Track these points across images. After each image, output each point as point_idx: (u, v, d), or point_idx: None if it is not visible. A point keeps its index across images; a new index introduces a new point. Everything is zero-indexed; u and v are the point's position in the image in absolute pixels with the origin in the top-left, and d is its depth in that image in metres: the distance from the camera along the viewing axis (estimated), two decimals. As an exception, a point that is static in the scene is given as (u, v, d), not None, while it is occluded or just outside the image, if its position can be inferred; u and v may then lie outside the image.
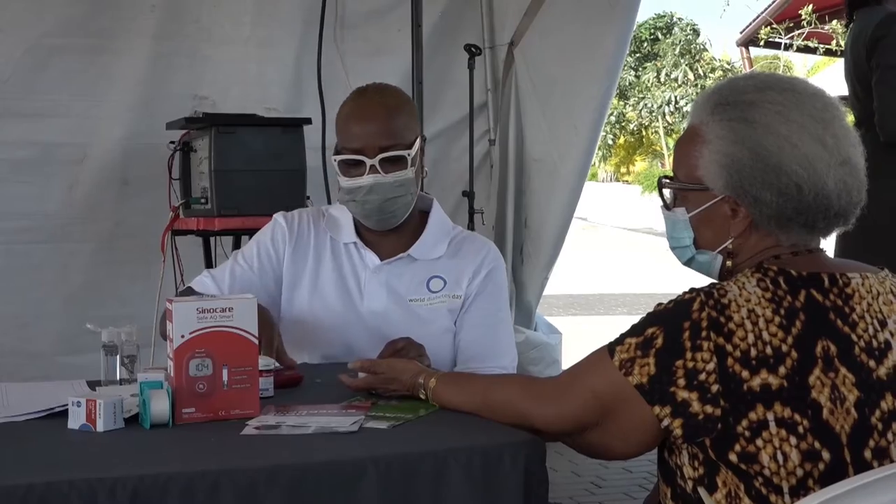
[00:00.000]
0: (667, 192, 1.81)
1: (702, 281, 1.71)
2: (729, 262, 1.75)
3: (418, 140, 2.49)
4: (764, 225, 1.70)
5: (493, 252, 2.59)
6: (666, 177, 1.81)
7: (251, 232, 3.76)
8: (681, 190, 1.78)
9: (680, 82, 29.41)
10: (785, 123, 1.65)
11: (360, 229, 2.56)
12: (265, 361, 2.06)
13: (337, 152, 2.48)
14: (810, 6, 14.06)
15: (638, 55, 30.81)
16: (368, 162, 2.41)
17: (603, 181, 32.90)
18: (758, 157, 1.66)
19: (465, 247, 2.58)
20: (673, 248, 1.82)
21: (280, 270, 2.56)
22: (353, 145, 2.44)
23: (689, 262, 1.81)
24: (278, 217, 2.62)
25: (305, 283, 2.54)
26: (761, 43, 16.02)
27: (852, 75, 4.06)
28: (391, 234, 2.53)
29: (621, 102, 30.75)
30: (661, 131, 30.56)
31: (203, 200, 3.91)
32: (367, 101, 2.49)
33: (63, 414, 1.84)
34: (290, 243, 2.56)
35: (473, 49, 4.90)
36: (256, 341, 1.92)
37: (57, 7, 4.37)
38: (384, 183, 2.42)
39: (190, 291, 2.52)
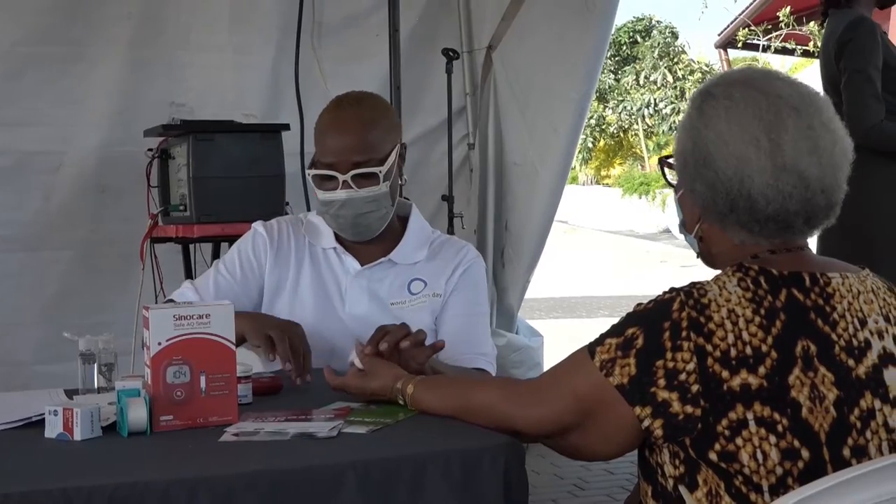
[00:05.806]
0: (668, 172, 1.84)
1: (681, 281, 1.72)
2: (700, 247, 1.78)
3: (395, 151, 2.48)
4: (707, 216, 1.72)
5: (471, 252, 2.61)
6: (667, 156, 1.82)
7: (231, 239, 3.75)
8: (669, 169, 1.81)
9: (659, 85, 29.45)
10: (725, 120, 1.66)
11: (339, 235, 2.56)
12: (243, 368, 2.05)
13: (312, 164, 2.48)
14: (787, 8, 14.16)
15: (617, 58, 30.84)
16: (341, 177, 2.41)
17: (583, 184, 32.88)
18: (695, 147, 1.68)
19: (443, 249, 2.59)
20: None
21: (262, 280, 2.56)
22: (326, 159, 2.43)
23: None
24: (257, 226, 2.61)
25: (287, 289, 2.54)
26: (739, 45, 16.11)
27: (823, 76, 4.13)
28: (371, 241, 2.53)
29: (601, 105, 30.77)
30: (641, 134, 30.59)
31: (182, 207, 3.89)
32: (342, 113, 2.47)
33: (40, 423, 1.83)
34: (270, 252, 2.55)
35: (451, 53, 4.90)
36: (234, 348, 1.91)
37: (31, 15, 4.32)
38: (356, 198, 2.42)
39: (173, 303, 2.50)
